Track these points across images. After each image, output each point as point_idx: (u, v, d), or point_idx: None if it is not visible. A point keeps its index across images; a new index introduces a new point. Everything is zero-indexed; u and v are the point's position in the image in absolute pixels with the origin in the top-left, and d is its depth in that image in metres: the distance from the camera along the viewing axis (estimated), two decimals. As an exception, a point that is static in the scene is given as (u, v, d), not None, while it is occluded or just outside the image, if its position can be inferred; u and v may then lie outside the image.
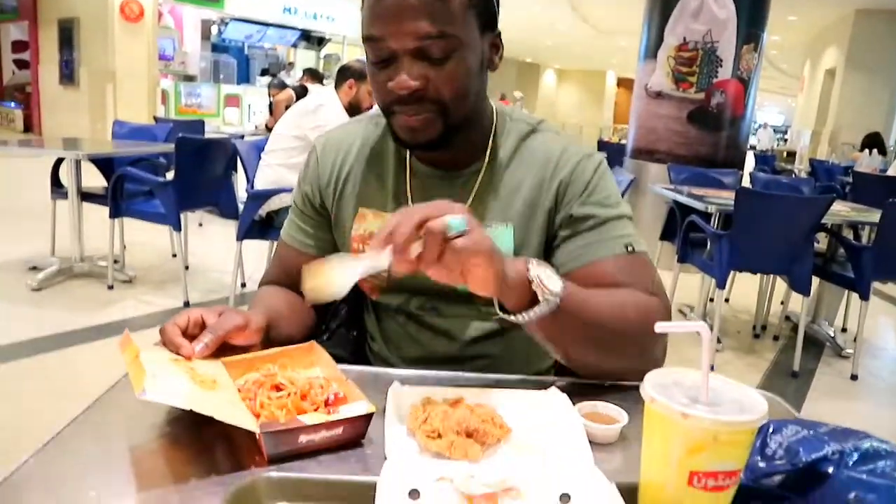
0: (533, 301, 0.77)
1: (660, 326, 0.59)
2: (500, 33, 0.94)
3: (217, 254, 4.42)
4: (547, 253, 0.99)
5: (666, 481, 0.52)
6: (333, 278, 0.71)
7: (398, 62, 0.85)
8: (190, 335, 0.79)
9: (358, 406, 0.70)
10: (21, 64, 12.36)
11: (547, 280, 0.77)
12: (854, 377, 3.20)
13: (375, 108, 1.02)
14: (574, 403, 0.75)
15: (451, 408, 0.71)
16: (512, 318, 0.79)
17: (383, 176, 1.03)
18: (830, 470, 0.57)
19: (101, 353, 2.79)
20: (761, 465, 0.60)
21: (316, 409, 0.71)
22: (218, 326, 0.79)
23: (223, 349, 0.80)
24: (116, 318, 3.25)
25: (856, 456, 0.57)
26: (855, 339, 3.28)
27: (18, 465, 0.62)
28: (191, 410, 0.63)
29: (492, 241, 0.71)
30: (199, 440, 0.68)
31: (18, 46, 12.31)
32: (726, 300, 4.24)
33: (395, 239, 0.67)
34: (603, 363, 0.86)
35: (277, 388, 0.73)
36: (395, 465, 0.59)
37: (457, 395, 0.75)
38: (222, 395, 0.70)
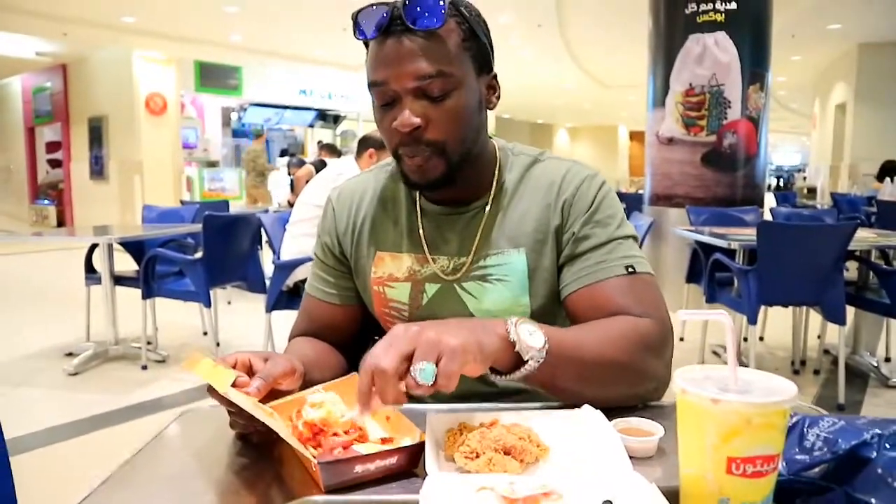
0: (520, 359, 0.78)
1: (683, 315, 0.60)
2: (495, 75, 1.00)
3: (247, 329, 4.47)
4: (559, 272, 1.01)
5: (705, 471, 0.53)
6: None
7: (401, 103, 0.90)
8: None
9: (411, 435, 0.72)
10: (54, 163, 12.96)
11: (528, 338, 0.77)
12: (904, 406, 3.09)
13: (385, 159, 1.09)
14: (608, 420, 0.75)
15: (487, 429, 0.72)
16: (502, 378, 0.79)
17: (396, 218, 1.07)
18: (873, 455, 0.56)
19: (138, 432, 2.81)
20: (800, 457, 0.60)
21: (367, 440, 0.73)
22: (268, 373, 0.80)
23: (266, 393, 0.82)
24: (151, 398, 3.29)
25: (897, 438, 0.56)
26: (900, 368, 3.18)
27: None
28: (241, 445, 0.65)
29: (462, 336, 0.70)
30: (252, 476, 0.70)
31: (52, 147, 12.95)
32: (760, 338, 4.15)
33: (385, 400, 0.68)
34: (603, 396, 0.84)
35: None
36: (436, 481, 0.59)
37: (492, 418, 0.75)
38: (283, 427, 0.72)
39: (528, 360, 0.77)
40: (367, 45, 0.93)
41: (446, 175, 0.94)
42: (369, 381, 0.68)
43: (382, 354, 0.68)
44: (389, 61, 0.89)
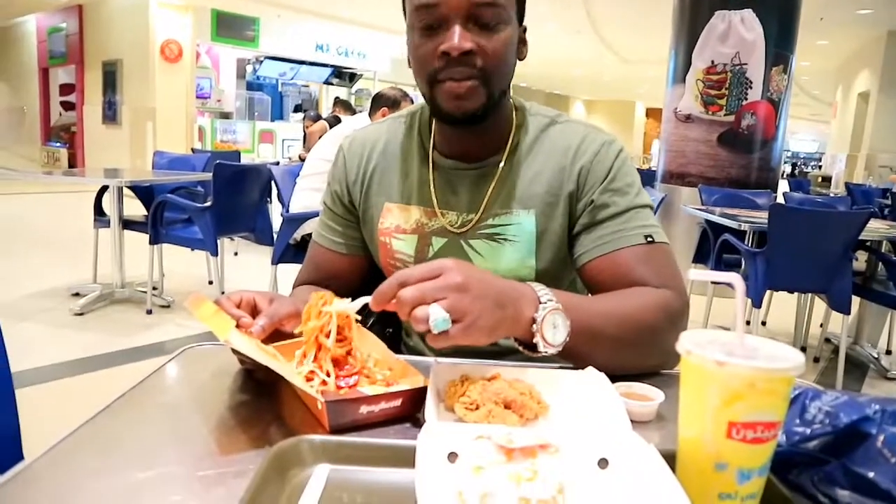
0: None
1: (694, 274, 0.59)
2: (526, 28, 0.99)
3: (252, 280, 4.50)
4: (570, 238, 1.00)
5: (704, 435, 0.52)
6: None
7: (449, 27, 0.88)
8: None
9: (414, 380, 0.73)
10: (67, 106, 12.90)
11: (549, 333, 0.76)
12: (901, 398, 3.10)
13: (400, 111, 1.08)
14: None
15: (489, 382, 0.72)
16: (523, 349, 0.79)
17: (407, 171, 1.06)
18: (874, 430, 0.56)
19: (141, 373, 2.84)
20: (801, 429, 0.60)
21: (373, 383, 0.73)
22: (273, 313, 0.81)
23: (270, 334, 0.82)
24: (154, 341, 3.33)
25: (899, 415, 0.56)
26: (900, 360, 3.18)
27: (70, 432, 0.65)
28: (242, 382, 0.65)
29: (492, 319, 0.71)
30: (252, 413, 0.71)
31: (65, 89, 12.88)
32: (763, 323, 4.15)
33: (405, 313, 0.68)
34: (621, 367, 0.83)
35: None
36: (433, 428, 0.60)
37: (494, 373, 0.75)
38: (286, 367, 0.73)
39: (541, 349, 0.77)
40: None
41: (485, 107, 0.93)
42: (392, 292, 0.68)
43: (416, 284, 0.68)
44: None
